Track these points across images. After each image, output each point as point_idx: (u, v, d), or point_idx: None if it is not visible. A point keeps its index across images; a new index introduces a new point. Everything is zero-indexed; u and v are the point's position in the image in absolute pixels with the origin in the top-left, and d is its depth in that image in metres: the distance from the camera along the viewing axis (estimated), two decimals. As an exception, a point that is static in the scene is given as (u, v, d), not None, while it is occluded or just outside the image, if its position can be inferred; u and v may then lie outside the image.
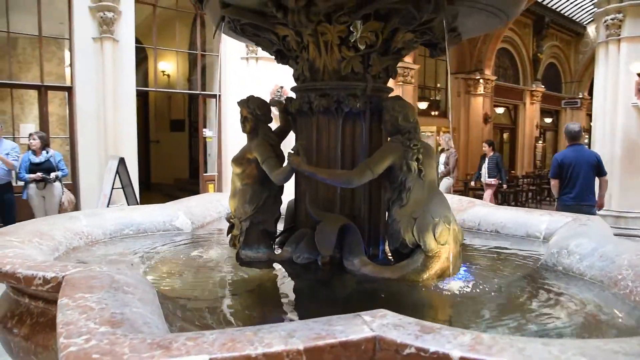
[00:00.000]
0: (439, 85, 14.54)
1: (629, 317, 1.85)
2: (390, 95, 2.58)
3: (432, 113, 13.77)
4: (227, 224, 2.76)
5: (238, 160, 2.59)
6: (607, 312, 1.95)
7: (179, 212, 3.40)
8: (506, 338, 1.17)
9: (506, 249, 2.99)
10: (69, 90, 7.28)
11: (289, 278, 2.49)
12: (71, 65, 7.29)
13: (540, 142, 17.54)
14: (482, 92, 14.16)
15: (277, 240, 2.72)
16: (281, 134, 2.79)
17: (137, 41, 8.68)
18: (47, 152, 6.45)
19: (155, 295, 1.85)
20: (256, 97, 2.65)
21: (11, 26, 7.01)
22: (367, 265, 2.24)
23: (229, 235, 2.70)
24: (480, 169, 8.93)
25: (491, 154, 8.65)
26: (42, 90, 7.20)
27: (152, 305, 1.68)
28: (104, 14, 7.11)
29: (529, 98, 16.70)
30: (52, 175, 6.35)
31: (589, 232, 2.61)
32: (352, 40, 2.28)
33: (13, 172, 6.33)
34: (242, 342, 1.17)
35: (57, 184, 6.48)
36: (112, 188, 6.89)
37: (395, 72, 2.60)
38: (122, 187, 6.98)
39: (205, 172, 9.11)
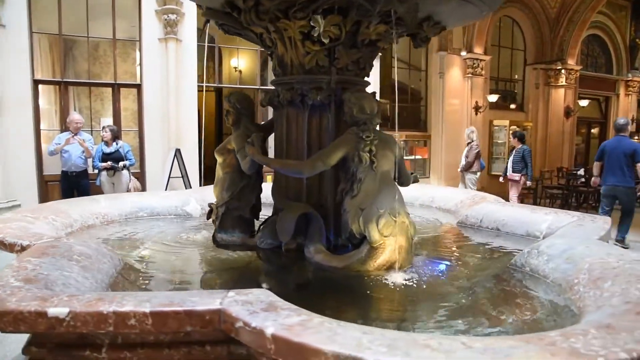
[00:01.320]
0: (516, 76, 13.68)
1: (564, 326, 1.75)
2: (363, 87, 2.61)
3: (509, 106, 13.03)
4: None
5: (220, 150, 2.77)
6: (553, 319, 1.85)
7: (191, 199, 3.69)
8: (334, 323, 1.22)
9: (500, 247, 2.88)
10: (139, 87, 8.02)
11: (261, 262, 2.64)
12: (140, 64, 8.01)
13: (637, 137, 15.78)
14: (563, 83, 13.09)
15: (260, 226, 2.87)
16: (269, 126, 2.92)
17: (211, 40, 9.30)
18: (117, 144, 7.16)
19: (113, 265, 2.11)
20: (238, 92, 2.81)
21: (92, 32, 7.86)
22: (319, 253, 2.31)
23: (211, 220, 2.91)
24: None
25: (518, 146, 7.99)
26: (115, 88, 8.00)
27: (96, 272, 1.92)
28: (168, 16, 7.72)
29: (624, 89, 15.11)
30: (120, 164, 7.05)
31: (575, 233, 2.45)
32: (315, 35, 2.34)
33: (89, 161, 7.13)
34: (104, 301, 1.35)
35: (125, 172, 7.18)
36: (169, 177, 7.53)
37: (370, 64, 2.61)
38: (182, 176, 7.58)
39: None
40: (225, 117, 2.81)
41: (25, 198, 6.92)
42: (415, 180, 2.77)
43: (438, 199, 4.08)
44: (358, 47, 2.49)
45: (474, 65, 11.26)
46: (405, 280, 2.17)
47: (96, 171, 7.16)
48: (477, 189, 7.58)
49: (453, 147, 10.82)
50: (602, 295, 1.64)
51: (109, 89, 8.20)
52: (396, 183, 2.43)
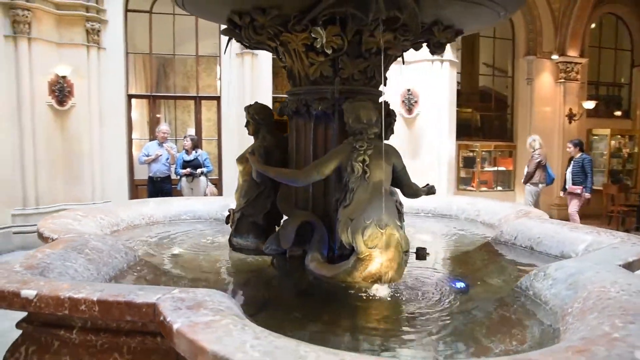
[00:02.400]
0: (622, 79, 12.32)
1: None
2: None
3: (612, 113, 11.77)
4: None
5: (240, 159, 2.92)
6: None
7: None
8: (239, 325, 1.26)
9: (527, 268, 2.66)
10: (218, 99, 8.61)
11: (272, 267, 2.73)
12: (220, 78, 8.60)
13: None
14: (682, 86, 11.52)
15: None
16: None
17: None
18: (196, 152, 7.76)
19: (126, 261, 2.35)
20: (257, 103, 2.93)
21: (178, 50, 8.64)
22: (313, 261, 2.33)
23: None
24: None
25: (577, 155, 7.12)
26: (197, 100, 8.67)
27: (102, 265, 2.16)
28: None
29: None
30: (198, 171, 7.62)
31: (598, 256, 2.20)
32: (318, 46, 2.39)
33: (172, 167, 7.80)
34: (65, 289, 1.53)
35: (202, 178, 7.75)
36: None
37: (380, 73, 2.59)
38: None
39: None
40: (246, 127, 2.96)
41: (117, 199, 7.75)
42: (430, 192, 2.67)
43: (484, 213, 3.85)
44: (364, 56, 2.48)
45: (568, 70, 10.37)
46: (391, 295, 2.11)
47: (178, 177, 7.81)
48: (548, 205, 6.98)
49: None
50: (579, 329, 1.48)
51: (192, 102, 8.91)
52: (395, 194, 2.38)
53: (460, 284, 2.38)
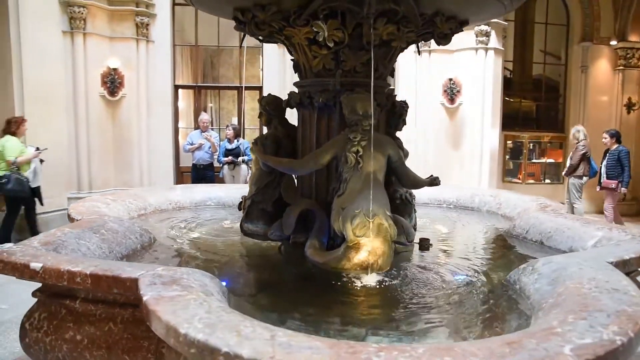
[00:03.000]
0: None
1: None
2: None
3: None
4: None
5: (253, 148, 3.05)
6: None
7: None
8: (200, 300, 1.38)
9: (528, 259, 2.62)
10: (260, 89, 8.82)
11: (279, 253, 2.85)
12: (262, 68, 8.81)
13: None
14: None
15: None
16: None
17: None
18: (238, 141, 8.03)
19: (141, 242, 2.57)
20: (269, 95, 3.04)
21: (223, 41, 8.92)
22: (310, 248, 2.42)
23: (243, 210, 3.19)
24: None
25: (614, 147, 6.61)
26: (239, 90, 8.94)
27: (115, 244, 2.37)
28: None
29: None
30: (240, 159, 7.91)
31: (591, 253, 2.15)
32: (320, 39, 2.46)
33: (215, 155, 8.12)
34: (66, 262, 1.72)
35: (243, 166, 8.02)
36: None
37: (385, 65, 2.61)
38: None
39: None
40: (259, 118, 3.07)
41: (163, 185, 8.21)
42: (434, 183, 2.67)
43: (505, 206, 3.78)
44: (366, 49, 2.52)
45: (628, 56, 9.69)
46: (383, 283, 2.17)
47: (220, 165, 8.12)
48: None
49: (595, 150, 9.51)
50: (540, 324, 1.48)
51: (236, 92, 9.19)
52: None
53: (455, 276, 2.40)
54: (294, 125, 3.08)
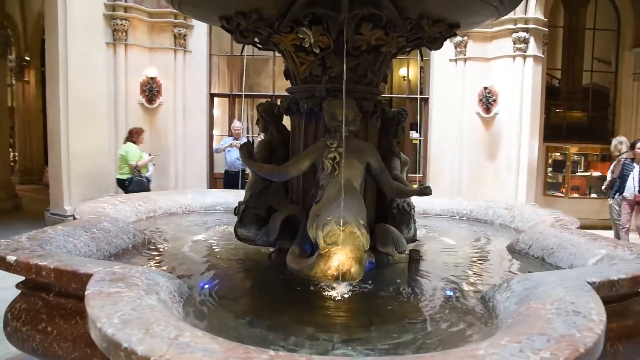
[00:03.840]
0: None
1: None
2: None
3: None
4: None
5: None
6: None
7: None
8: (135, 297, 1.42)
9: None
10: (293, 98, 8.95)
11: (268, 259, 2.87)
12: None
13: None
14: None
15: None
16: None
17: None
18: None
19: (132, 241, 2.68)
20: (266, 102, 3.08)
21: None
22: (290, 254, 2.41)
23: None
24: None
25: None
26: (273, 99, 9.09)
27: (104, 243, 2.49)
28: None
29: None
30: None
31: (575, 272, 2.02)
32: (307, 46, 2.47)
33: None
34: (35, 257, 1.82)
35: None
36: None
37: (373, 70, 2.58)
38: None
39: (409, 173, 9.45)
40: (256, 124, 3.12)
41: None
42: (423, 193, 2.59)
43: (518, 219, 3.60)
44: (352, 54, 2.50)
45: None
46: (350, 292, 2.14)
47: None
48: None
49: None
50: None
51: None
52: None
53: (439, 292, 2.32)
54: (286, 130, 3.10)
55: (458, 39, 8.27)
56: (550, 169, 9.40)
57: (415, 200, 4.23)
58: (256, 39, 2.67)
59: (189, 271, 2.52)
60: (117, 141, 7.62)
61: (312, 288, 2.23)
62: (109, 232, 2.59)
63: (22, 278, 2.06)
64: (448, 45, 8.54)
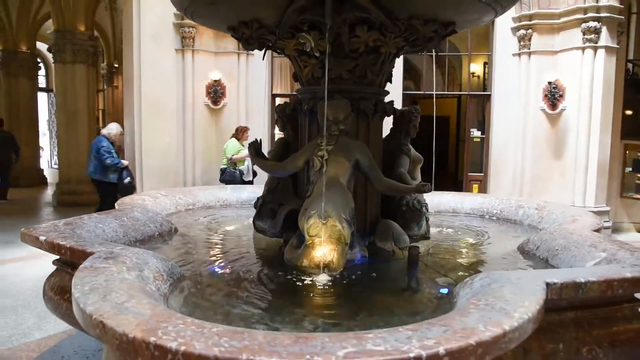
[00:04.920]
0: None
1: None
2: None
3: None
4: None
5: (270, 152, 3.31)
6: None
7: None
8: (116, 273, 1.69)
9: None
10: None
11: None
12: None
13: None
14: None
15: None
16: None
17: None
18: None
19: (159, 230, 3.02)
20: (284, 102, 3.28)
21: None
22: (287, 246, 2.59)
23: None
24: None
25: None
26: (331, 98, 9.30)
27: (131, 230, 2.85)
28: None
29: None
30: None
31: (538, 273, 2.01)
32: (308, 50, 2.63)
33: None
34: (58, 238, 2.18)
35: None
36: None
37: (373, 71, 2.67)
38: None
39: (471, 171, 9.20)
40: (275, 124, 3.33)
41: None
42: (421, 190, 2.63)
43: (546, 220, 3.48)
44: (351, 57, 2.62)
45: None
46: (327, 283, 2.27)
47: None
48: None
49: None
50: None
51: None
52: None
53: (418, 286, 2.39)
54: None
55: (522, 32, 7.92)
56: (629, 169, 8.64)
57: (444, 198, 4.24)
58: (244, 46, 2.85)
59: (201, 256, 2.80)
60: (184, 140, 8.28)
61: (303, 277, 2.39)
62: (137, 221, 2.94)
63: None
64: (511, 39, 8.21)
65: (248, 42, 2.66)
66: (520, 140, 8.09)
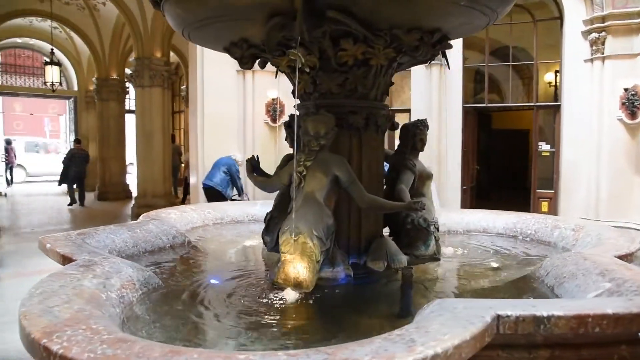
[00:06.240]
0: None
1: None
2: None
3: None
4: None
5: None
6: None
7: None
8: (75, 278, 1.82)
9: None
10: (408, 111, 8.91)
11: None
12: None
13: None
14: None
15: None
16: None
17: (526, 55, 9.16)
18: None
19: (171, 242, 3.18)
20: (291, 115, 3.31)
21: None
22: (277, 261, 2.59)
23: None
24: None
25: None
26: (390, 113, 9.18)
27: (141, 241, 3.02)
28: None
29: None
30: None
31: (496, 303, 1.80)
32: (299, 66, 2.66)
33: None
34: (60, 247, 2.39)
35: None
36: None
37: (364, 84, 2.63)
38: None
39: (540, 188, 8.55)
40: (285, 140, 3.38)
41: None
42: (411, 208, 2.51)
43: (580, 243, 3.12)
44: (340, 70, 2.59)
45: None
46: (297, 301, 2.25)
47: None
48: None
49: None
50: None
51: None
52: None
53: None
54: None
55: (594, 35, 7.29)
56: None
57: (475, 217, 3.99)
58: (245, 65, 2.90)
59: (199, 268, 2.90)
60: (245, 156, 8.62)
61: (277, 295, 2.35)
62: (150, 233, 3.12)
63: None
64: (582, 43, 7.58)
65: (242, 62, 2.75)
66: (595, 154, 7.39)
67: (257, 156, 2.92)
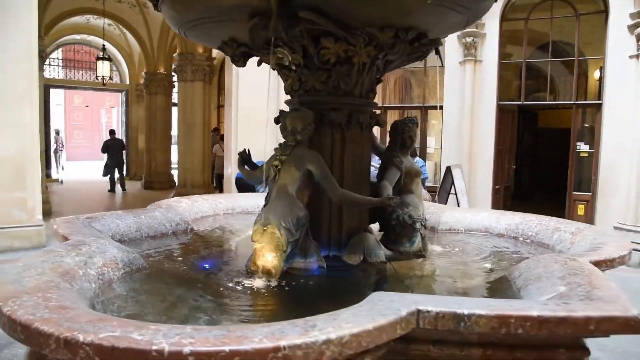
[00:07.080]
0: None
1: None
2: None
3: None
4: None
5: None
6: None
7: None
8: (62, 254, 2.04)
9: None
10: (441, 107, 8.79)
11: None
12: (440, 87, 8.77)
13: None
14: None
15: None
16: None
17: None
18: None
19: (174, 228, 3.40)
20: (281, 110, 3.42)
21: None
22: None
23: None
24: None
25: None
26: (423, 110, 9.10)
27: (145, 226, 3.26)
28: (465, 39, 8.12)
29: None
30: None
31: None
32: (286, 64, 2.77)
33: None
34: (63, 230, 2.64)
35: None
36: (449, 193, 7.96)
37: (345, 82, 2.70)
38: (454, 193, 7.86)
39: (577, 190, 8.19)
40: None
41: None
42: (385, 203, 2.57)
43: (576, 245, 3.04)
44: (323, 68, 2.68)
45: None
46: (261, 287, 2.36)
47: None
48: None
49: None
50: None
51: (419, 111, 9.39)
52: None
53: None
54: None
55: (639, 30, 6.88)
56: None
57: (479, 216, 3.95)
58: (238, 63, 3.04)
59: (193, 253, 3.08)
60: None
61: (248, 282, 2.45)
62: (154, 219, 3.35)
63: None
64: (628, 38, 7.16)
65: (233, 59, 2.90)
66: (636, 156, 7.00)
67: (249, 150, 3.07)
